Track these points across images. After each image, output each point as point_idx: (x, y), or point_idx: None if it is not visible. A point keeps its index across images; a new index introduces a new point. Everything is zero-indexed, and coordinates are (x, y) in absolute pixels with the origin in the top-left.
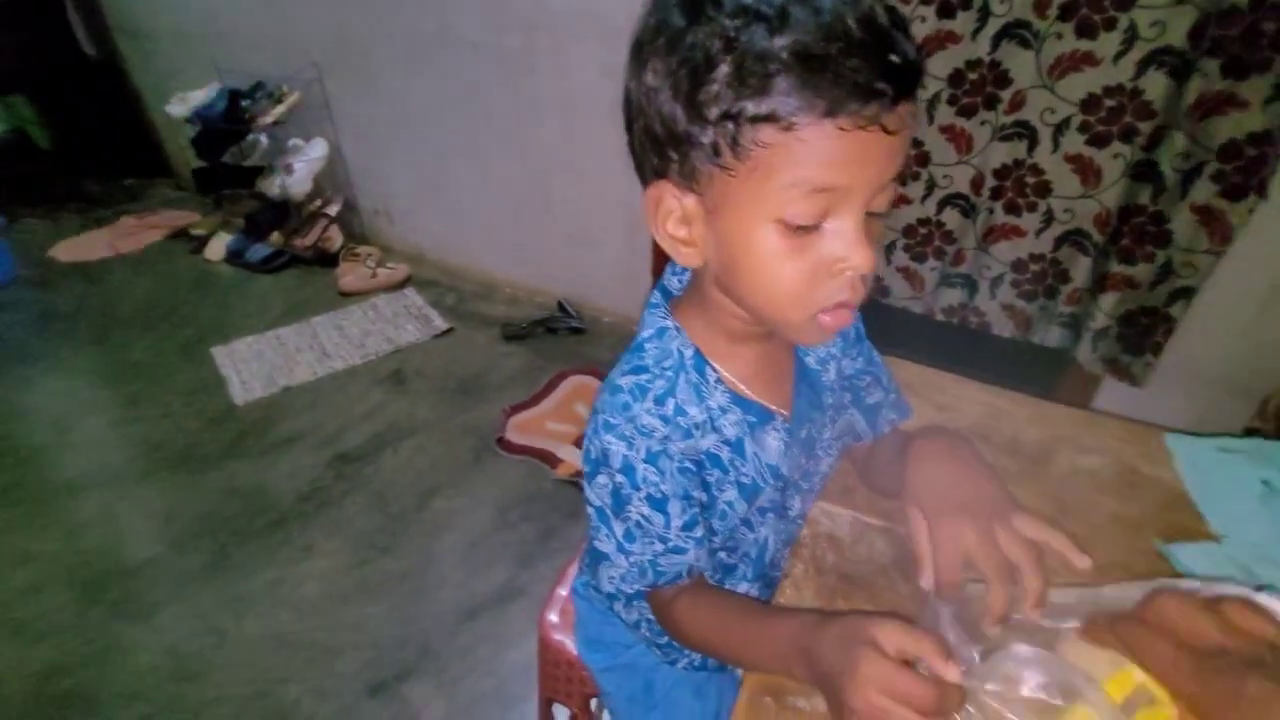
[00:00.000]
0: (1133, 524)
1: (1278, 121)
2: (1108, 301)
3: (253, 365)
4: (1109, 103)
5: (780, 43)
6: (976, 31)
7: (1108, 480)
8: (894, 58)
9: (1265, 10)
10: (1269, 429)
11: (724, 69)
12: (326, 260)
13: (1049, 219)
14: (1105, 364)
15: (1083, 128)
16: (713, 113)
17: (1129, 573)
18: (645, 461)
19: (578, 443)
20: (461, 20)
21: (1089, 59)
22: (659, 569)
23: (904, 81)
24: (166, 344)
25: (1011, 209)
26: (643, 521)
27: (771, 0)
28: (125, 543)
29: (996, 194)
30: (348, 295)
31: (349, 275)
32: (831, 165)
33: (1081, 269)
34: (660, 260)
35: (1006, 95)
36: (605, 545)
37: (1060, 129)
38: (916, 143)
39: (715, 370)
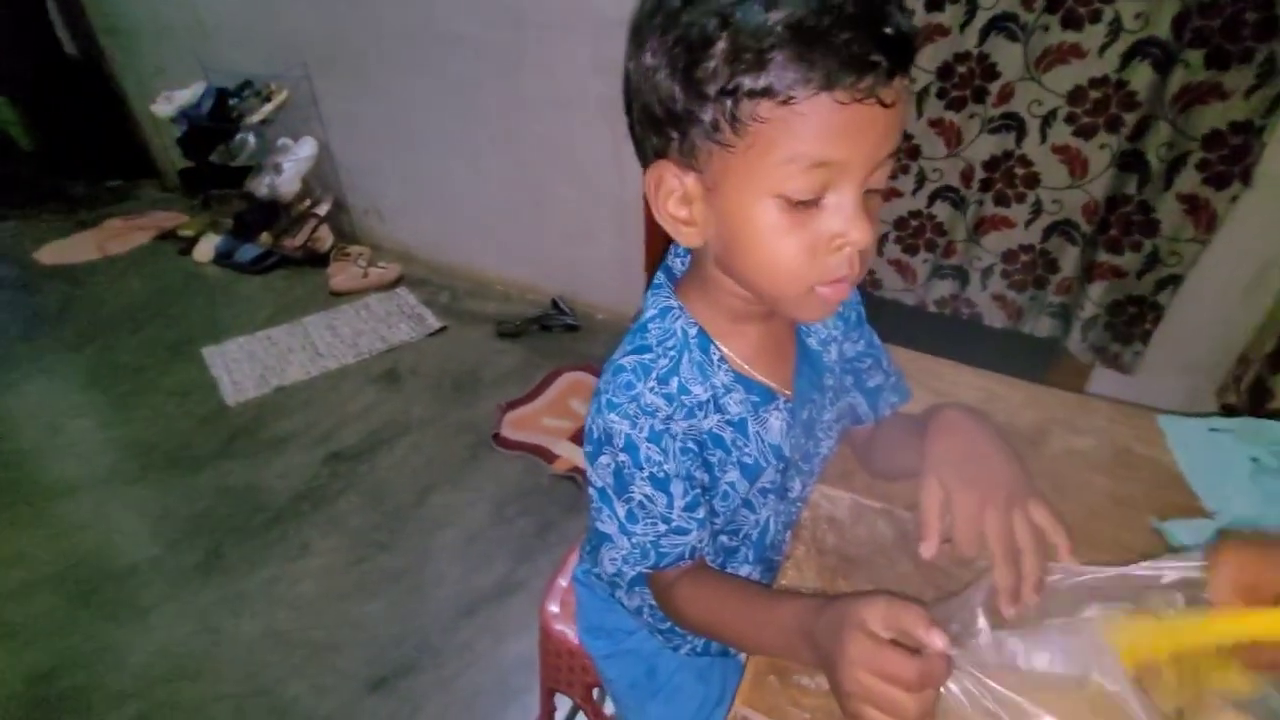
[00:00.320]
0: (1128, 502)
1: (1260, 110)
2: (1096, 291)
3: (244, 366)
4: (1095, 94)
5: (775, 17)
6: (965, 24)
7: (1101, 460)
8: (888, 30)
9: (1246, 1)
10: (1241, 403)
11: (721, 45)
12: (317, 260)
13: (1038, 210)
14: (1095, 352)
15: (1070, 119)
16: (710, 89)
17: (1126, 550)
18: (648, 440)
19: (574, 438)
20: (449, 15)
21: (1075, 51)
22: (661, 550)
23: (898, 53)
24: (156, 346)
25: (1001, 200)
26: (645, 502)
27: None
28: (117, 544)
29: (986, 186)
30: (339, 295)
31: (340, 275)
32: (829, 139)
33: (1070, 259)
34: (654, 255)
35: (995, 88)
36: (607, 526)
37: (1048, 120)
38: (907, 136)
39: (719, 349)
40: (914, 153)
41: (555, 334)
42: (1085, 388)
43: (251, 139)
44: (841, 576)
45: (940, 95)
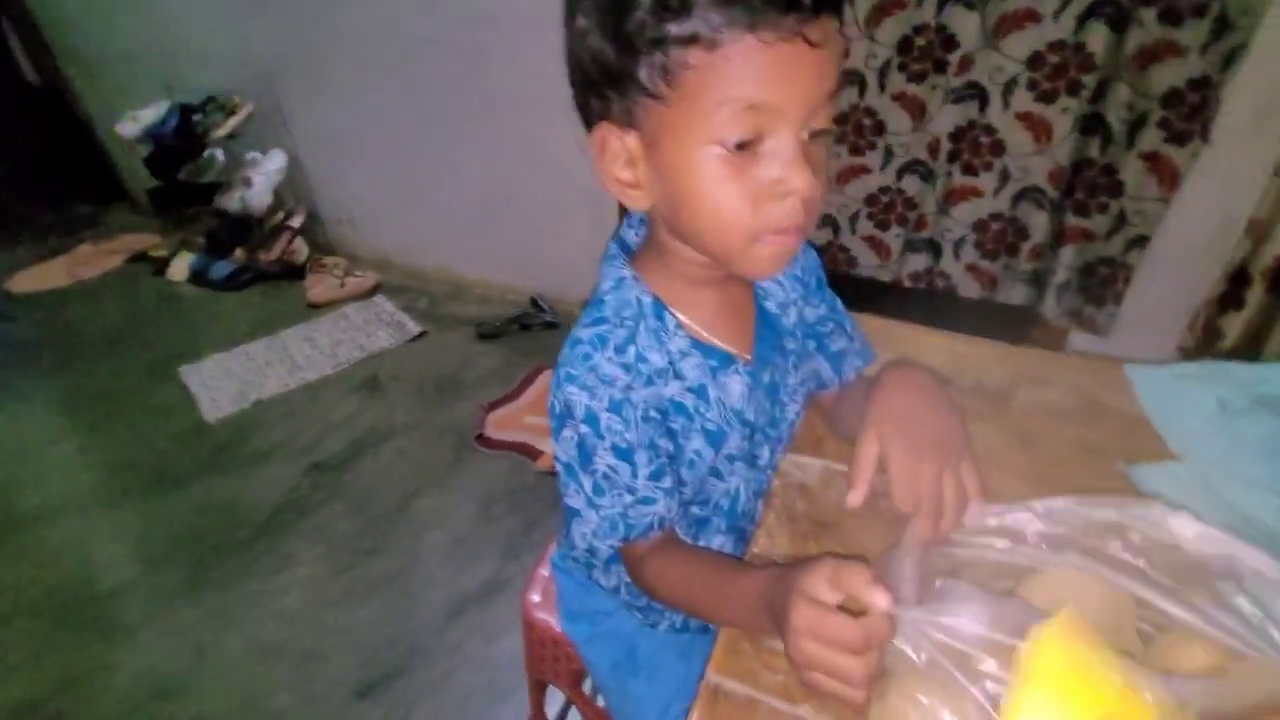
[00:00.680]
0: (1095, 450)
1: (1216, 66)
2: (1067, 255)
3: (222, 382)
4: (1053, 59)
5: None
6: None
7: (1070, 411)
8: None
9: None
10: (1194, 344)
11: None
12: (293, 273)
13: (1005, 178)
14: (1070, 316)
15: (1031, 85)
16: (639, 42)
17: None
18: (608, 410)
19: None
20: (412, 16)
21: (1031, 16)
22: (629, 521)
23: None
24: (132, 367)
25: (968, 170)
26: (609, 473)
27: None
28: (97, 567)
29: (953, 157)
30: (317, 307)
31: (317, 287)
32: (759, 81)
33: (1040, 225)
34: None
35: (955, 58)
36: (575, 500)
37: (1009, 88)
38: (871, 113)
39: (675, 316)
40: (880, 129)
41: (535, 332)
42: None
43: (219, 155)
44: (813, 541)
45: (901, 69)
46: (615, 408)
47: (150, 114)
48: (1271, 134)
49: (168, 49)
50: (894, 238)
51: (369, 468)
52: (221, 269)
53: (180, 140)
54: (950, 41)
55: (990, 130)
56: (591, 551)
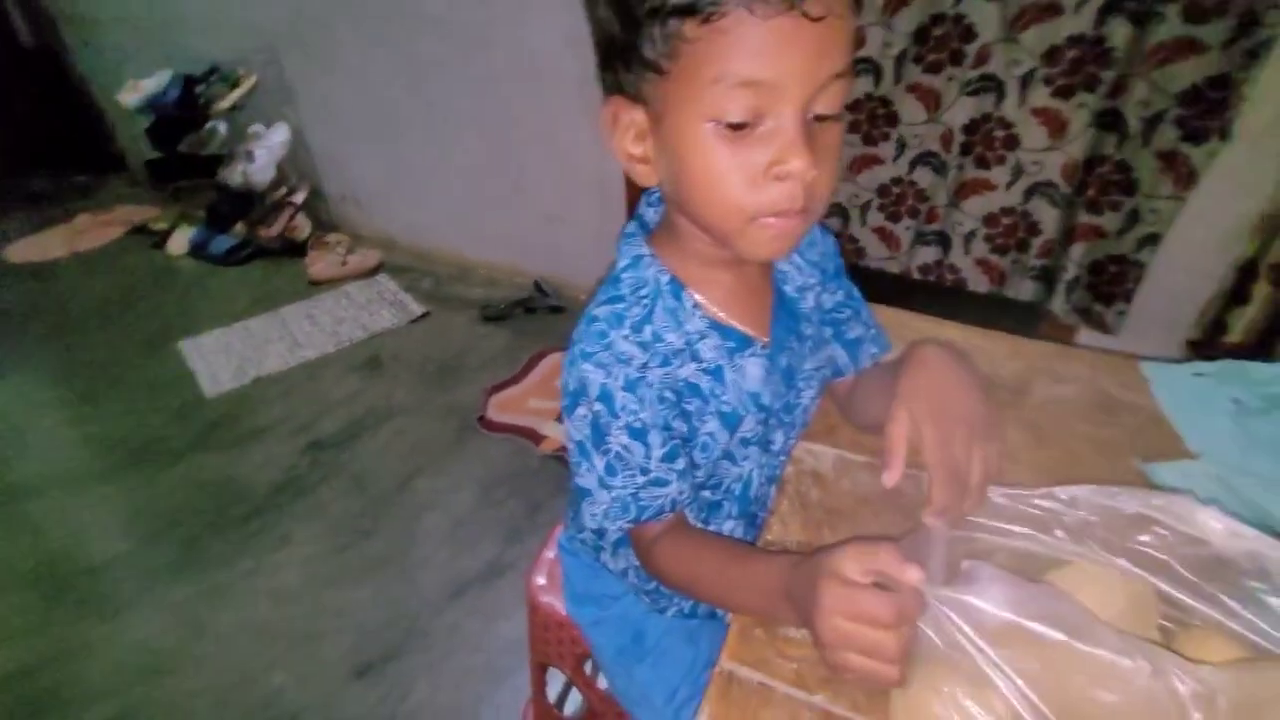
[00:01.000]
0: (1111, 447)
1: (1238, 63)
2: (1077, 251)
3: (221, 357)
4: (1071, 53)
5: None
6: None
7: (1084, 407)
8: None
9: None
10: (1201, 338)
11: None
12: (294, 250)
13: (1018, 172)
14: (1079, 314)
15: (1048, 80)
16: (640, 12)
17: None
18: (624, 389)
19: (560, 419)
20: None
21: (1053, 8)
22: (641, 503)
23: None
24: (129, 341)
25: (981, 163)
26: (623, 453)
27: None
28: (90, 541)
29: (966, 150)
30: (318, 284)
31: (318, 264)
32: (755, 57)
33: (1051, 220)
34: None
35: (972, 50)
36: (587, 480)
37: (1026, 81)
38: (885, 103)
39: (692, 296)
40: (893, 119)
41: (539, 316)
42: None
43: (221, 127)
44: (826, 529)
45: (917, 60)
46: (630, 386)
47: (152, 83)
48: None
49: (170, 16)
50: (904, 230)
51: (368, 448)
52: (222, 243)
53: (182, 111)
54: (968, 32)
55: (1005, 124)
56: (600, 533)
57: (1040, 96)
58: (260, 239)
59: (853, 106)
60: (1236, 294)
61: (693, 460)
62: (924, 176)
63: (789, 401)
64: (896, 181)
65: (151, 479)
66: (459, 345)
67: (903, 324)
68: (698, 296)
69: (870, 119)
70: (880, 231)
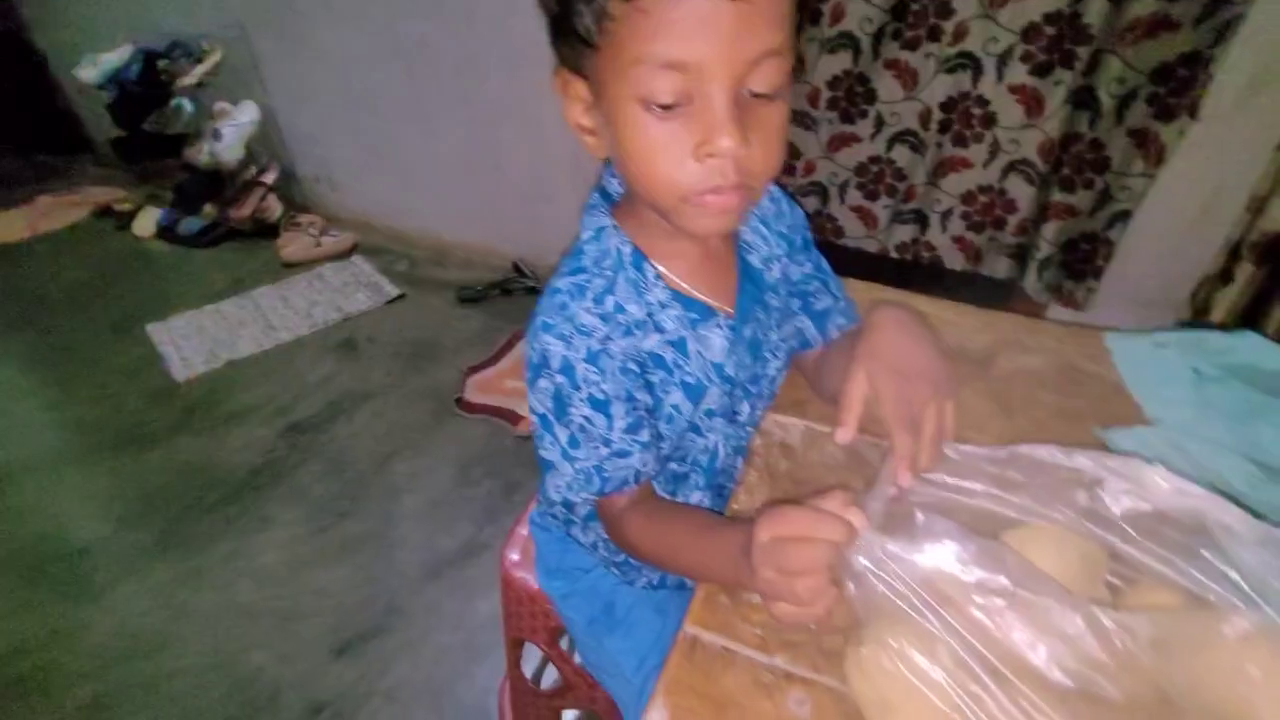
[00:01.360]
0: (1073, 416)
1: (1207, 41)
2: (1050, 230)
3: (193, 341)
4: (1049, 30)
5: None
6: None
7: (1049, 378)
8: None
9: None
10: (1189, 318)
11: None
12: (266, 231)
13: (995, 150)
14: (1050, 291)
15: (1025, 57)
16: None
17: None
18: (585, 361)
19: None
20: None
21: None
22: (605, 475)
23: None
24: (98, 325)
25: (959, 141)
26: (585, 424)
27: None
28: (67, 526)
29: (944, 127)
30: (291, 266)
31: (291, 245)
32: (676, 38)
33: (1027, 198)
34: None
35: (949, 26)
36: (550, 453)
37: (1003, 59)
38: (863, 80)
39: (654, 267)
40: (871, 96)
41: (517, 297)
42: None
43: (187, 104)
44: (794, 500)
45: (895, 36)
46: (592, 358)
47: (113, 58)
48: (1260, 109)
49: None
50: (882, 208)
51: (345, 430)
52: (191, 224)
53: (145, 87)
54: (946, 8)
55: (982, 101)
56: (567, 505)
57: (1018, 74)
58: (231, 220)
59: (831, 84)
60: (1224, 274)
61: (657, 432)
62: (902, 155)
63: (755, 373)
64: (875, 160)
65: (129, 463)
66: (435, 327)
67: (875, 297)
68: (660, 267)
69: (849, 96)
70: (858, 210)
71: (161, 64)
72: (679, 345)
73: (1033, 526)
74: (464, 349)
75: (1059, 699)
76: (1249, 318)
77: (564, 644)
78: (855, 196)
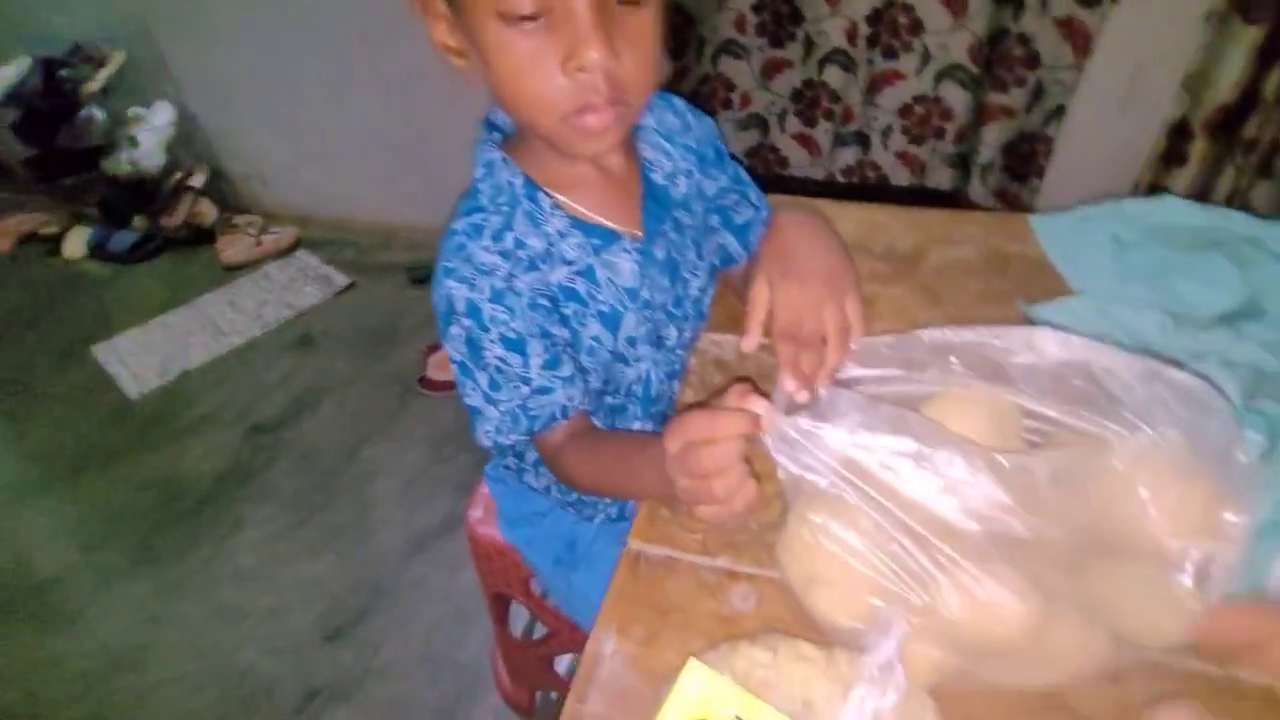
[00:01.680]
0: (999, 297)
1: None
2: (989, 133)
3: (142, 357)
4: None
5: None
6: None
7: (976, 265)
8: None
9: None
10: None
11: None
12: (203, 237)
13: (926, 57)
14: (996, 196)
15: None
16: None
17: None
18: (490, 301)
19: None
20: None
21: None
22: (531, 413)
23: None
24: (40, 353)
25: (889, 54)
26: (501, 365)
27: None
28: (33, 558)
29: (872, 41)
30: (234, 269)
31: (231, 248)
32: None
33: (962, 104)
34: None
35: None
36: (474, 399)
37: None
38: (787, 0)
39: (550, 196)
40: (797, 17)
41: None
42: None
43: (97, 113)
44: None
45: None
46: (497, 297)
47: (8, 72)
48: None
49: None
50: (823, 134)
51: (311, 425)
52: (123, 240)
53: (49, 100)
54: None
55: (906, 8)
56: (517, 454)
57: None
58: (164, 230)
59: (756, 8)
60: (1171, 156)
61: (580, 365)
62: (834, 75)
63: (676, 295)
64: (809, 84)
65: (90, 487)
66: (390, 311)
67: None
68: (558, 196)
69: (775, 19)
70: (800, 138)
71: (63, 73)
72: (588, 274)
73: (943, 395)
74: (421, 329)
75: (973, 548)
76: (1205, 196)
77: (537, 590)
78: (795, 124)
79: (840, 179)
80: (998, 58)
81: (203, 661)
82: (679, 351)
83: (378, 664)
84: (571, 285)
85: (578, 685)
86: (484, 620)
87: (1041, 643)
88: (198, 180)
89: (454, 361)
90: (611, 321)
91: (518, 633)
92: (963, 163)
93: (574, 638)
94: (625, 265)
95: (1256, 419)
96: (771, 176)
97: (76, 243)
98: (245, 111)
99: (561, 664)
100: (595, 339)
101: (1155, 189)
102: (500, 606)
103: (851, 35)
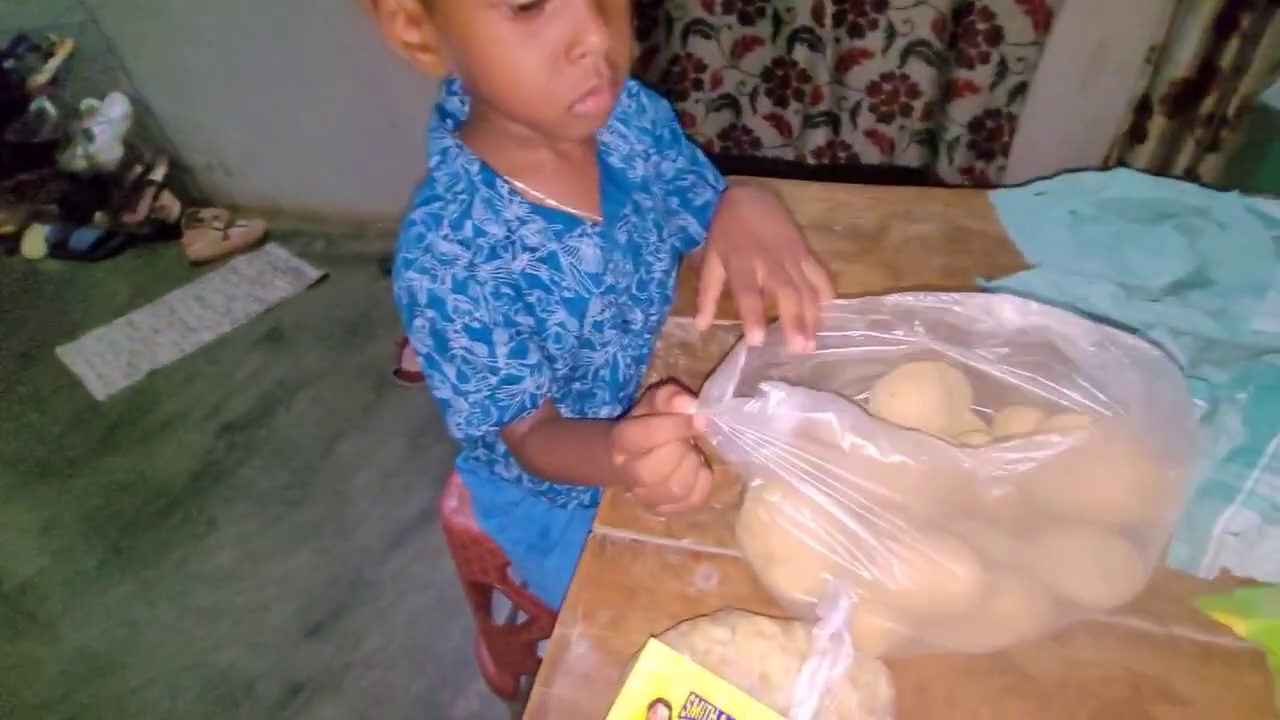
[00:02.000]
0: (959, 272)
1: None
2: (956, 109)
3: (107, 357)
4: None
5: None
6: None
7: (937, 241)
8: None
9: None
10: None
11: None
12: (167, 232)
13: (891, 34)
14: (963, 174)
15: None
16: None
17: None
18: (453, 292)
19: None
20: None
21: None
22: (500, 404)
23: None
24: (2, 357)
25: (855, 31)
26: (468, 356)
27: None
28: (4, 563)
29: (838, 20)
30: (200, 264)
31: (197, 243)
32: None
33: (928, 80)
34: None
35: None
36: (443, 391)
37: None
38: None
39: (508, 182)
40: None
41: None
42: None
43: (49, 106)
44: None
45: None
46: (460, 287)
47: None
48: None
49: None
50: (793, 114)
51: (284, 421)
52: (84, 237)
53: None
54: None
55: None
56: (487, 446)
57: None
58: (126, 226)
59: None
60: (1135, 132)
61: (547, 353)
62: (802, 54)
63: (640, 278)
64: (779, 63)
65: (58, 491)
66: (363, 303)
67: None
68: (516, 182)
69: None
70: (771, 118)
71: (8, 64)
72: (551, 261)
73: (897, 370)
74: (395, 320)
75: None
76: (1163, 172)
77: (514, 577)
78: (766, 104)
79: (810, 160)
80: (962, 32)
81: (182, 662)
82: (645, 335)
83: (360, 656)
84: (535, 272)
85: (544, 670)
86: (466, 609)
87: (988, 608)
88: (159, 173)
89: (420, 354)
90: (577, 307)
91: (502, 619)
92: (931, 139)
93: (554, 622)
94: (588, 250)
95: (1199, 385)
96: (744, 157)
97: (35, 241)
98: (204, 99)
99: (544, 648)
100: (561, 325)
101: (1120, 166)
102: (480, 594)
103: (819, 13)
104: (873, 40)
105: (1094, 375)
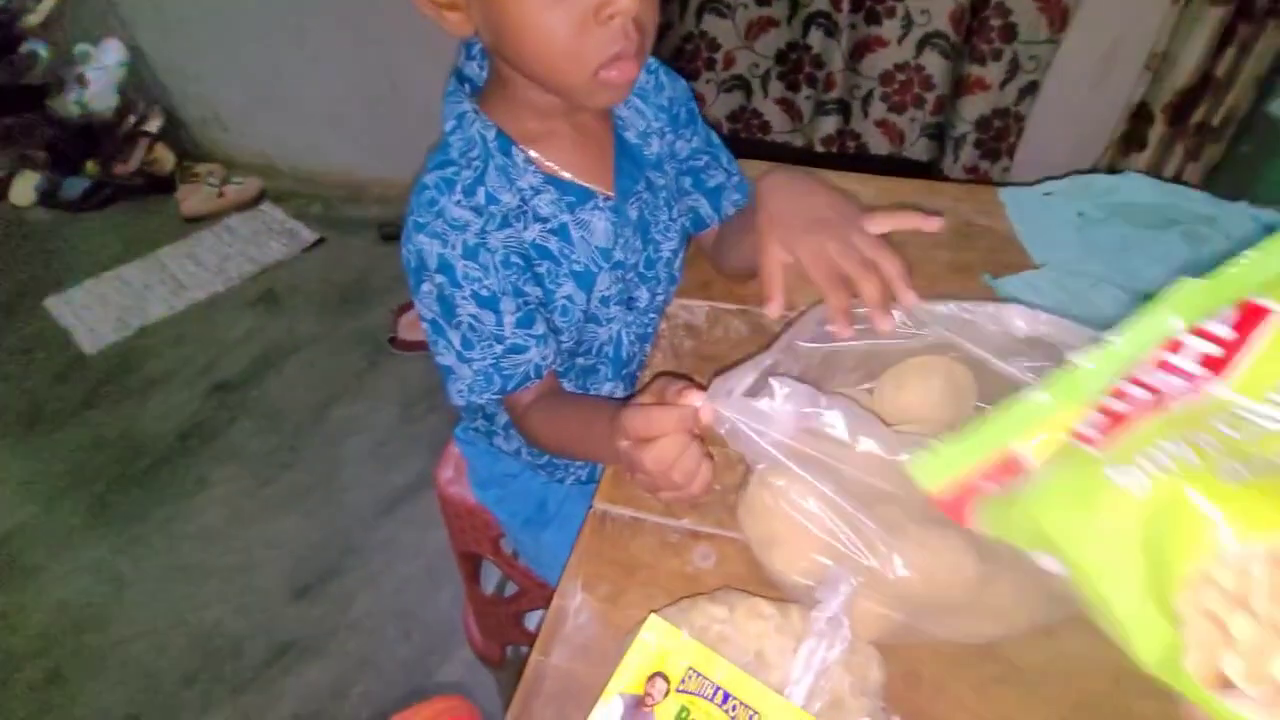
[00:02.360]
0: (966, 268)
1: None
2: (965, 106)
3: (97, 311)
4: None
5: None
6: None
7: (945, 236)
8: None
9: None
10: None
11: None
12: (160, 185)
13: (908, 24)
14: (967, 173)
15: None
16: None
17: None
18: (464, 258)
19: None
20: None
21: None
22: (504, 373)
23: None
24: None
25: (872, 19)
26: (474, 323)
27: None
28: None
29: (856, 5)
30: (194, 220)
31: (191, 198)
32: None
33: (942, 73)
34: None
35: None
36: (446, 357)
37: None
38: None
39: (524, 151)
40: None
41: None
42: None
43: (41, 49)
44: (699, 376)
45: None
46: (470, 254)
47: None
48: None
49: None
50: (804, 99)
51: (276, 383)
52: (74, 186)
53: None
54: None
55: None
56: (487, 417)
57: None
58: (118, 177)
59: None
60: (1132, 138)
61: (553, 325)
62: (817, 39)
63: (648, 256)
64: (794, 46)
65: (42, 444)
66: (360, 269)
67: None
68: (531, 151)
69: None
70: (782, 103)
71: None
72: (562, 233)
73: (904, 363)
74: (393, 287)
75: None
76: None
77: (507, 549)
78: (777, 88)
79: (819, 148)
80: (976, 26)
81: (166, 619)
82: (650, 314)
83: (348, 620)
84: (545, 243)
85: (542, 639)
86: (455, 577)
87: (981, 599)
88: (153, 125)
89: (425, 319)
90: (585, 281)
91: (490, 590)
92: (939, 134)
93: (544, 595)
94: (599, 224)
95: None
96: (752, 141)
97: (24, 189)
98: (197, 50)
99: (532, 620)
100: (568, 298)
101: (1113, 172)
102: (471, 564)
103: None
104: (889, 28)
105: None
